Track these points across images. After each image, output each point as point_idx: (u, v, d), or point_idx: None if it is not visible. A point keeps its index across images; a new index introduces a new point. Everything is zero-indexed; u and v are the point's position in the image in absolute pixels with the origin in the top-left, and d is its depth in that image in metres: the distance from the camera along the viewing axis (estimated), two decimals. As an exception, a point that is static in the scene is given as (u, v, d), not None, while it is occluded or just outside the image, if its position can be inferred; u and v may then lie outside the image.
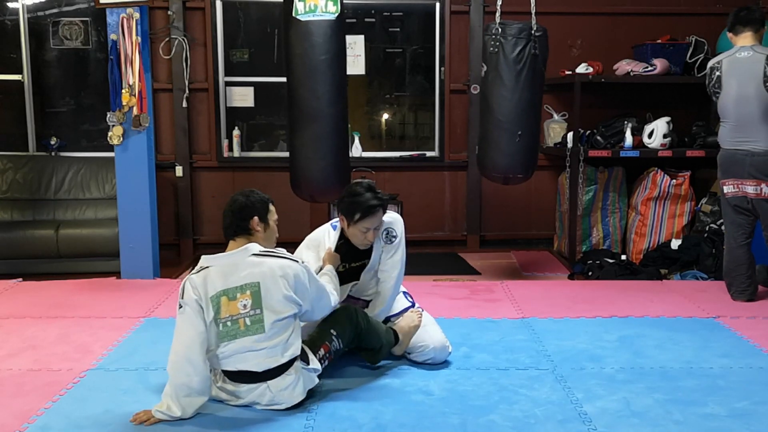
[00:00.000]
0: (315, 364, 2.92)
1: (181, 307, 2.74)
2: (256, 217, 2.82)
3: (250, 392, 2.81)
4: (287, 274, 2.76)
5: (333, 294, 3.03)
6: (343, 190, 3.26)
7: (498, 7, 4.60)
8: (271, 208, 2.91)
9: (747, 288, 4.31)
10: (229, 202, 2.85)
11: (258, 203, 2.84)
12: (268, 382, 2.78)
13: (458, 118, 6.18)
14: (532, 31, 4.50)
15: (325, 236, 3.33)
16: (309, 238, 3.36)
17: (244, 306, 2.73)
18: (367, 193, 3.15)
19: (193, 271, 2.79)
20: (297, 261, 2.84)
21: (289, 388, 2.80)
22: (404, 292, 3.52)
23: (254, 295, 2.73)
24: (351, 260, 3.32)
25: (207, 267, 2.77)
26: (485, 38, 4.66)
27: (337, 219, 3.31)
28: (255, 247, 2.80)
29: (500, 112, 4.59)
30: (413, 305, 3.47)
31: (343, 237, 3.30)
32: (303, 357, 2.88)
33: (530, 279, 5.23)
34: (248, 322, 2.73)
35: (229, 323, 2.73)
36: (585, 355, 3.43)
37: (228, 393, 2.86)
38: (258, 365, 2.76)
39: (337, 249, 3.28)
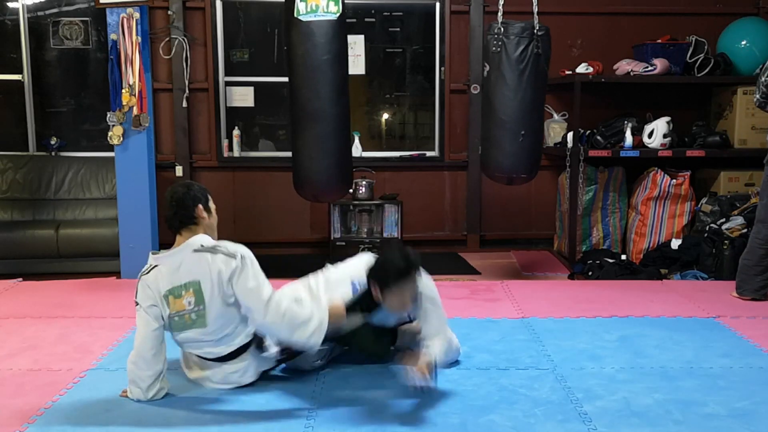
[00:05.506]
0: (273, 349, 2.98)
1: (137, 304, 2.86)
2: (200, 205, 2.87)
3: (205, 368, 2.99)
4: (222, 271, 2.78)
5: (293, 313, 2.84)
6: (378, 258, 3.07)
7: (500, 7, 4.59)
8: (209, 196, 2.96)
9: (761, 288, 4.33)
10: (169, 194, 2.88)
11: (199, 192, 2.90)
12: (222, 365, 2.93)
13: (458, 118, 6.18)
14: (535, 30, 4.49)
15: (342, 294, 3.11)
16: (335, 275, 3.17)
17: (189, 303, 2.81)
18: (402, 259, 2.99)
19: (144, 271, 2.88)
20: (234, 257, 2.79)
21: (239, 372, 2.95)
22: None
23: (196, 293, 2.80)
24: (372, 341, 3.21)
25: (156, 266, 2.85)
26: (488, 38, 4.63)
27: (357, 281, 3.10)
28: (197, 242, 2.83)
29: (503, 112, 4.58)
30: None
31: (365, 307, 3.10)
32: (259, 344, 2.95)
33: (530, 279, 5.23)
34: (194, 317, 2.83)
35: (176, 318, 2.84)
36: (585, 355, 3.43)
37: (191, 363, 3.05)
38: (208, 353, 2.92)
39: (361, 326, 3.12)
